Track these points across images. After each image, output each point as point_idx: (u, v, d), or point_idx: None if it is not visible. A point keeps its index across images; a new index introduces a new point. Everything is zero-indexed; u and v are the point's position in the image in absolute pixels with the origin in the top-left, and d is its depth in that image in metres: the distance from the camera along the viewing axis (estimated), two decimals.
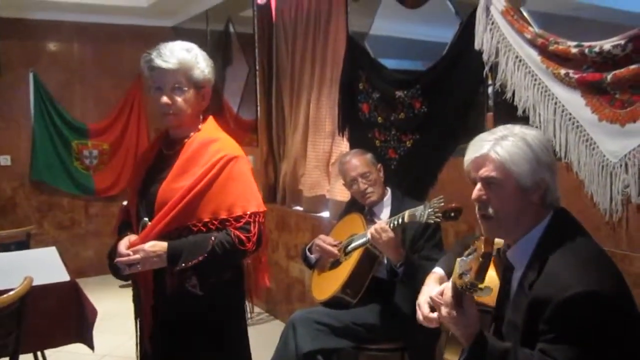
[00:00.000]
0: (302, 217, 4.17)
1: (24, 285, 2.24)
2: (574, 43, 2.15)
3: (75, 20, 5.75)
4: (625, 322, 1.33)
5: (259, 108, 4.71)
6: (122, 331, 3.65)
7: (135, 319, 2.11)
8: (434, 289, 1.56)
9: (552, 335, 1.31)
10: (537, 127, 2.26)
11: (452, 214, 2.20)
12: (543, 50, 2.28)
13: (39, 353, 2.96)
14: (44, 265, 3.06)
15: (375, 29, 3.42)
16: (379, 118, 3.28)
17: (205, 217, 1.88)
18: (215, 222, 1.88)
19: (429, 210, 2.23)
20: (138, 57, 1.97)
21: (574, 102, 2.19)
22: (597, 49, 2.05)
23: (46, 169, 5.74)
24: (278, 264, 4.47)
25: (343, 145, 3.65)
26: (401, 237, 2.53)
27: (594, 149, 2.15)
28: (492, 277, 1.53)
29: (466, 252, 1.41)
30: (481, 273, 1.32)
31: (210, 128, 2.04)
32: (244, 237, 1.88)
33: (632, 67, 1.96)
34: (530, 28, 2.34)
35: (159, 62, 1.88)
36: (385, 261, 2.60)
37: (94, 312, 2.77)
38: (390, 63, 3.30)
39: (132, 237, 1.94)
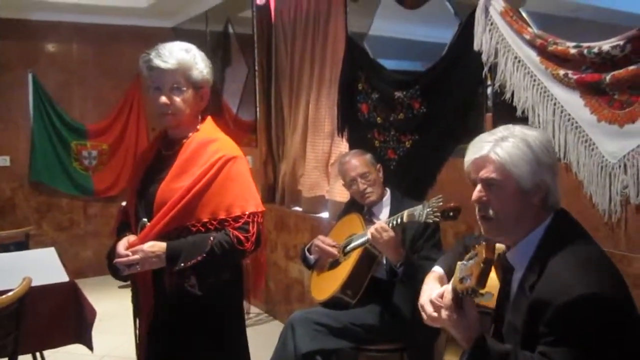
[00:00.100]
0: (301, 218, 4.17)
1: (22, 285, 2.24)
2: (573, 44, 2.15)
3: (74, 21, 5.74)
4: (625, 324, 1.32)
5: (258, 109, 4.71)
6: (121, 332, 3.64)
7: (134, 319, 2.11)
8: (434, 289, 1.56)
9: (553, 337, 1.30)
10: (536, 127, 2.27)
11: (451, 214, 2.19)
12: (542, 51, 2.28)
13: (37, 354, 2.94)
14: (43, 266, 3.06)
15: (375, 30, 3.42)
16: (378, 118, 3.28)
17: (204, 217, 1.89)
18: (214, 222, 1.89)
19: (428, 209, 2.23)
20: (137, 58, 1.97)
21: (573, 102, 2.19)
22: (596, 50, 2.05)
23: (45, 169, 5.73)
24: (277, 265, 4.47)
25: (342, 145, 3.64)
26: (401, 237, 2.53)
27: (593, 149, 2.15)
28: (492, 278, 1.52)
29: (467, 257, 1.41)
30: (482, 279, 1.32)
31: (208, 128, 2.04)
32: (242, 237, 1.88)
33: (631, 67, 1.96)
34: (529, 29, 2.34)
35: (157, 62, 1.89)
36: (385, 261, 2.60)
37: (93, 313, 2.77)
38: (389, 63, 3.30)
39: (131, 238, 1.94)
